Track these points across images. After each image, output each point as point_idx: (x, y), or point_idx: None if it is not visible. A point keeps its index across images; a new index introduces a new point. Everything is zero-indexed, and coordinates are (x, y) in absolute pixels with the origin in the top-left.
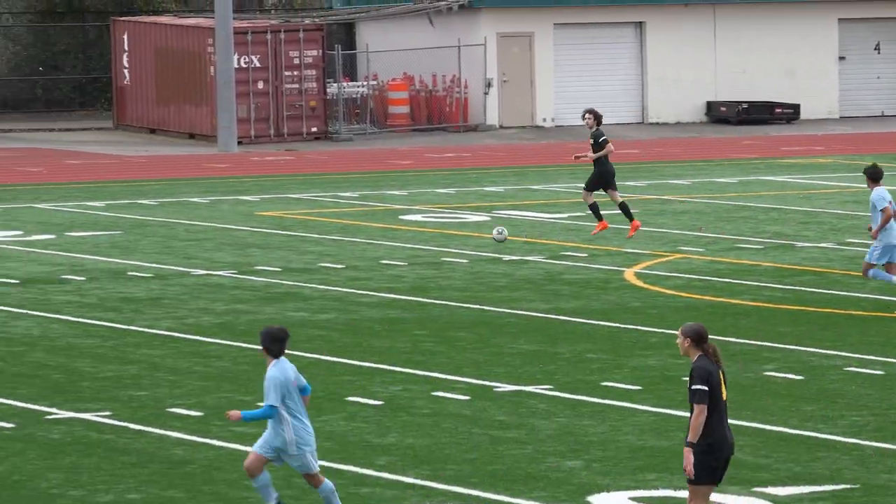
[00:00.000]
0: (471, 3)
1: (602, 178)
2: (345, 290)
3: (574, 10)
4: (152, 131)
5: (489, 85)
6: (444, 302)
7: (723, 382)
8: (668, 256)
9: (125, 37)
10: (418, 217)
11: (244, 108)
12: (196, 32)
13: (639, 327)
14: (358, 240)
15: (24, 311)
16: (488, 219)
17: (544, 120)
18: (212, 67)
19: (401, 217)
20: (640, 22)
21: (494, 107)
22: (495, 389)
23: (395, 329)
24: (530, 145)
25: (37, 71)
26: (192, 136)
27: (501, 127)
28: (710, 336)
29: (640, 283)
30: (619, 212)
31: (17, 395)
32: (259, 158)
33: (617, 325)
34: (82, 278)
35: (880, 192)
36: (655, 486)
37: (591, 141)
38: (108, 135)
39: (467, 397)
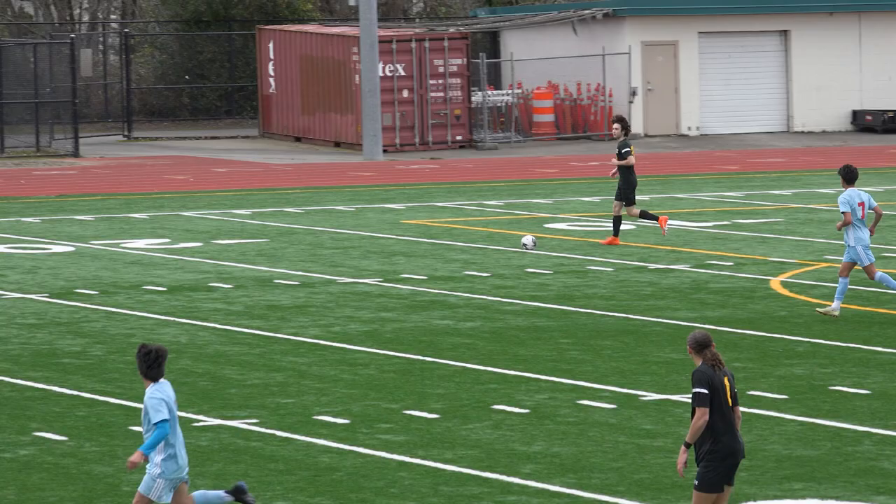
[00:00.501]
0: (615, 12)
1: (629, 188)
2: (490, 298)
3: (719, 18)
4: (298, 139)
5: (633, 93)
6: (589, 310)
7: (728, 389)
8: (813, 265)
9: (271, 45)
10: (563, 225)
11: (389, 116)
12: (341, 41)
13: (785, 336)
14: (503, 248)
15: (172, 318)
16: (633, 227)
17: (689, 128)
18: (357, 76)
19: (546, 225)
20: (785, 30)
21: (639, 115)
22: (641, 398)
23: (540, 337)
24: (675, 154)
25: (183, 79)
26: (337, 144)
27: (646, 135)
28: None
29: (786, 292)
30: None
31: None
32: (404, 167)
33: (763, 333)
34: (229, 286)
35: (846, 196)
36: (802, 496)
37: (617, 151)
38: (253, 143)
39: (613, 406)
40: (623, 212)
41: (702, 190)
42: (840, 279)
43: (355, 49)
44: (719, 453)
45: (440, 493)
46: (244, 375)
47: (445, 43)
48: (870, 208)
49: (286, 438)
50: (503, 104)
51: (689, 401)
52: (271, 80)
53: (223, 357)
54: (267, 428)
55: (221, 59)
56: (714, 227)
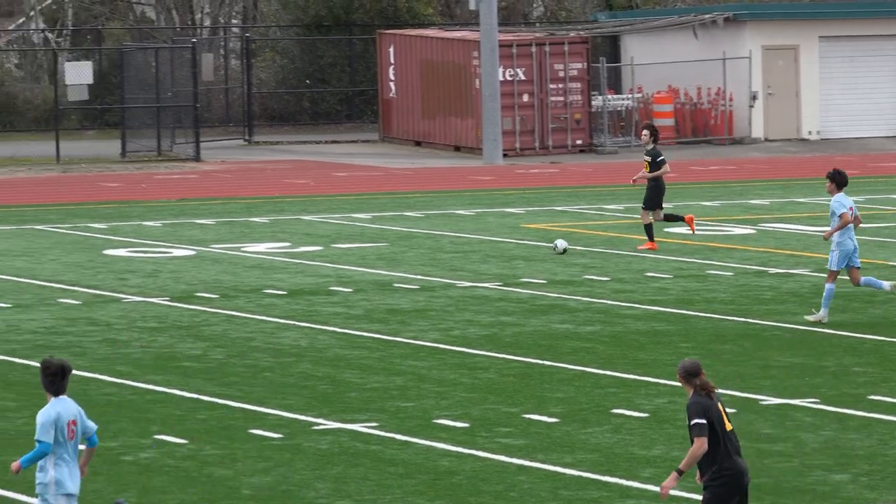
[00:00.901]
0: (736, 16)
1: (657, 194)
2: (610, 302)
3: (839, 22)
4: (418, 143)
5: (754, 98)
6: (708, 314)
7: (724, 414)
8: None
9: (391, 50)
10: (683, 230)
11: (509, 120)
12: (461, 45)
13: None
14: (623, 252)
15: (292, 322)
16: (753, 231)
17: (810, 133)
18: (477, 80)
19: (665, 230)
20: None
21: (759, 119)
22: (761, 402)
23: (660, 341)
24: (795, 158)
25: (304, 84)
26: (457, 148)
27: (766, 140)
28: None
29: None
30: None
31: (286, 406)
32: (524, 171)
33: (884, 338)
34: (349, 290)
35: (839, 199)
36: None
37: (648, 159)
38: (374, 147)
39: (733, 410)
40: (650, 217)
41: (822, 194)
42: (861, 280)
43: (476, 53)
44: (729, 482)
45: (559, 497)
46: (364, 379)
47: (566, 47)
48: (854, 216)
49: (406, 442)
50: (623, 108)
51: (808, 405)
52: (392, 84)
53: (343, 361)
54: (387, 431)
55: (342, 63)
56: None
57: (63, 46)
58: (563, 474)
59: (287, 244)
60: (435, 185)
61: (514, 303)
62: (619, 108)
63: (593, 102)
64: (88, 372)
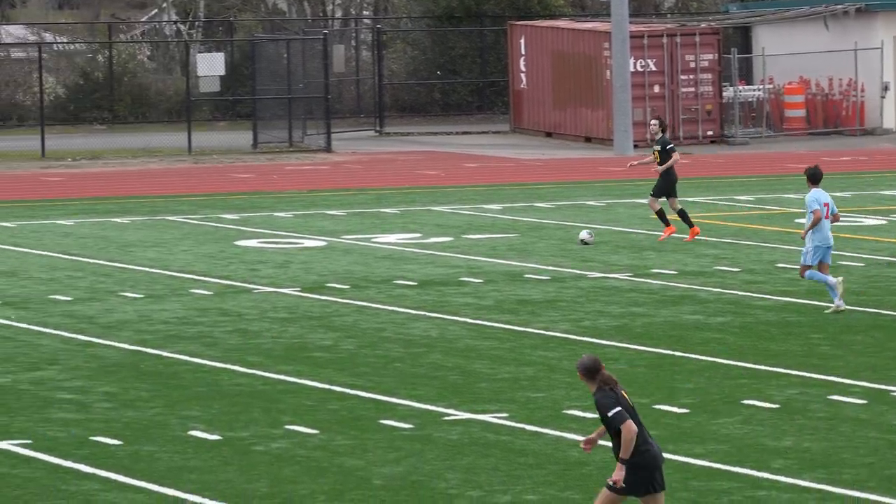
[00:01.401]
0: (867, 7)
1: (669, 184)
2: (740, 293)
3: None
4: (548, 134)
5: (886, 88)
6: None
7: (633, 405)
8: None
9: (522, 41)
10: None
11: (640, 111)
12: (592, 36)
13: None
14: (754, 243)
15: (423, 312)
16: (884, 222)
17: None
18: (608, 71)
19: (796, 220)
20: None
21: (891, 110)
22: (892, 394)
23: (790, 332)
24: None
25: (435, 75)
26: (588, 139)
27: None
28: None
29: None
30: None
31: (416, 396)
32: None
33: None
34: (479, 280)
35: (814, 194)
36: None
37: (658, 148)
38: (504, 138)
39: (864, 401)
40: (658, 204)
41: None
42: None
43: (606, 44)
44: (640, 464)
45: (689, 488)
46: (494, 369)
47: (697, 38)
48: (831, 212)
49: (536, 432)
50: (754, 99)
51: None
52: (522, 75)
53: (473, 351)
54: (517, 422)
55: (473, 54)
56: None
57: (195, 38)
58: (693, 465)
59: (418, 235)
60: (565, 176)
61: (645, 293)
62: (750, 99)
63: (724, 93)
64: (220, 362)
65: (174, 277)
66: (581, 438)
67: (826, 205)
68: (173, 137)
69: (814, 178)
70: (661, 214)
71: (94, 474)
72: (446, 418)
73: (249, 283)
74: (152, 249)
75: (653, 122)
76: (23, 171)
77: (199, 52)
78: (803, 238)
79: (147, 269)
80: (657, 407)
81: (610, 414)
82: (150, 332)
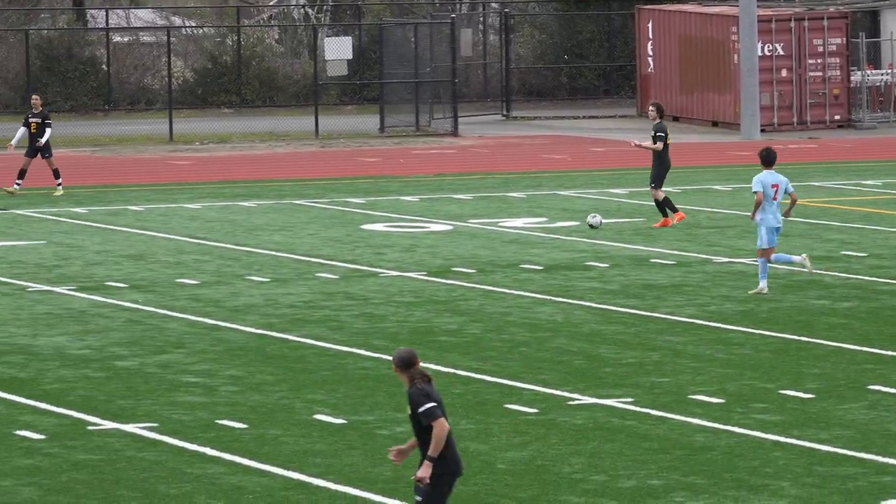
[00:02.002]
0: None
1: (663, 172)
2: (867, 278)
3: None
4: (675, 119)
5: None
6: None
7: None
8: None
9: (649, 25)
10: None
11: (767, 95)
12: (720, 21)
13: None
14: (881, 228)
15: (548, 297)
16: None
17: None
18: (735, 55)
19: None
20: None
21: None
22: None
23: None
24: None
25: (562, 59)
26: (714, 123)
27: None
28: None
29: None
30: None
31: (541, 381)
32: (781, 146)
33: None
34: (605, 265)
35: (759, 177)
36: None
37: (653, 133)
38: (631, 122)
39: None
40: (662, 194)
41: None
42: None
43: (734, 29)
44: (449, 467)
45: (814, 474)
46: (619, 354)
47: (825, 22)
48: (786, 193)
49: (661, 417)
50: (882, 84)
51: None
52: (650, 59)
53: (598, 336)
54: (642, 407)
55: (600, 38)
56: None
57: (323, 22)
58: (819, 450)
59: (544, 219)
60: (692, 161)
61: (771, 278)
62: (877, 84)
63: (852, 78)
64: (345, 346)
65: (300, 261)
66: (707, 424)
67: (775, 186)
68: (300, 121)
69: (766, 160)
70: (666, 202)
71: (219, 458)
72: (571, 403)
73: (375, 267)
74: (279, 233)
75: (651, 108)
76: (151, 154)
77: (327, 36)
78: (752, 220)
79: (273, 252)
80: (782, 392)
81: (422, 409)
82: (276, 315)
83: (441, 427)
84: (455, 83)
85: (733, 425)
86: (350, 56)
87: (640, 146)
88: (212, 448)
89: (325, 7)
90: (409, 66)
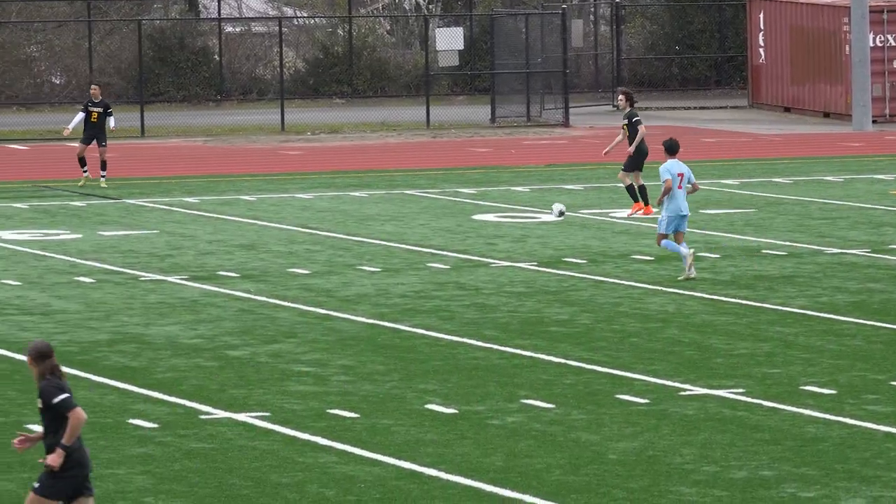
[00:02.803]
0: None
1: (640, 156)
2: None
3: None
4: (787, 110)
5: None
6: None
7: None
8: None
9: (761, 16)
10: None
11: (879, 87)
12: (831, 11)
13: None
14: None
15: (659, 287)
16: None
17: None
18: (847, 46)
19: None
20: None
21: None
22: None
23: None
24: None
25: (673, 50)
26: (826, 114)
27: None
28: None
29: None
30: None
31: (652, 371)
32: (893, 137)
33: None
34: (716, 255)
35: (666, 165)
36: None
37: (626, 121)
38: (742, 113)
39: None
40: (629, 179)
41: None
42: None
43: (846, 19)
44: (81, 457)
45: None
46: (731, 345)
47: None
48: (689, 182)
49: (772, 408)
50: None
51: None
52: (761, 50)
53: (710, 326)
54: (753, 398)
55: (711, 29)
56: None
57: (434, 12)
58: None
59: (655, 210)
60: (803, 152)
61: (883, 269)
62: None
63: None
64: (457, 336)
65: (411, 251)
66: (819, 415)
67: (681, 175)
68: (412, 111)
69: (670, 149)
70: (630, 189)
71: (331, 447)
72: (682, 393)
73: (486, 257)
74: (390, 223)
75: (620, 97)
76: (262, 144)
77: (438, 27)
78: (658, 205)
79: (384, 242)
80: (894, 383)
81: (56, 400)
82: (387, 305)
83: (77, 417)
84: (566, 74)
85: (845, 416)
86: (461, 46)
87: (629, 150)
88: (323, 437)
89: None
90: (520, 57)
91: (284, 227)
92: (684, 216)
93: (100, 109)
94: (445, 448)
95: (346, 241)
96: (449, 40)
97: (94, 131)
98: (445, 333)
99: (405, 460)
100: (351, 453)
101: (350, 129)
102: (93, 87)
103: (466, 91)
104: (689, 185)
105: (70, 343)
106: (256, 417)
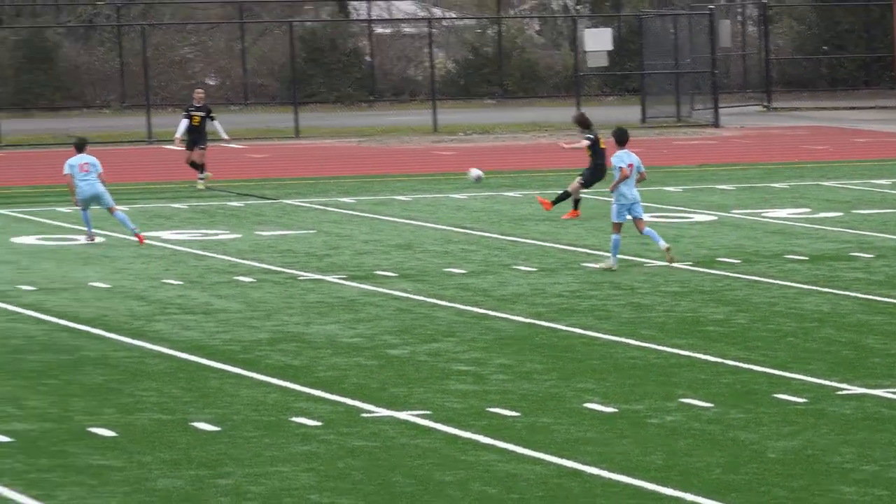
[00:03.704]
0: None
1: (593, 172)
2: None
3: None
4: None
5: None
6: None
7: None
8: None
9: None
10: None
11: None
12: None
13: None
14: None
15: (814, 287)
16: None
17: None
18: None
19: None
20: None
21: None
22: None
23: None
24: None
25: (820, 50)
26: None
27: None
28: None
29: None
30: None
31: (809, 371)
32: None
33: None
34: (870, 255)
35: (619, 154)
36: None
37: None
38: (892, 113)
39: None
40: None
41: None
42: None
43: None
44: None
45: None
46: (887, 344)
47: None
48: (638, 171)
49: None
50: None
51: None
52: None
53: (865, 326)
54: None
55: (859, 29)
56: None
57: (582, 13)
58: None
59: (807, 210)
60: None
61: None
62: None
63: None
64: (613, 335)
65: (566, 251)
66: None
67: (630, 165)
68: (562, 112)
69: (619, 139)
70: (563, 196)
71: (492, 445)
72: (840, 393)
73: (641, 257)
74: (544, 223)
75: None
76: (415, 144)
77: (587, 28)
78: (611, 191)
79: (539, 242)
80: None
81: None
82: (543, 305)
83: None
84: (715, 74)
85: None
86: (610, 47)
87: (566, 147)
88: (485, 435)
89: None
90: (668, 57)
91: (440, 226)
92: (635, 203)
93: (202, 114)
94: (605, 447)
95: (501, 240)
96: (598, 41)
97: (196, 135)
98: (602, 333)
99: (566, 458)
100: (512, 451)
101: (502, 130)
102: (196, 91)
103: (616, 91)
104: (639, 174)
105: (232, 342)
106: (417, 416)
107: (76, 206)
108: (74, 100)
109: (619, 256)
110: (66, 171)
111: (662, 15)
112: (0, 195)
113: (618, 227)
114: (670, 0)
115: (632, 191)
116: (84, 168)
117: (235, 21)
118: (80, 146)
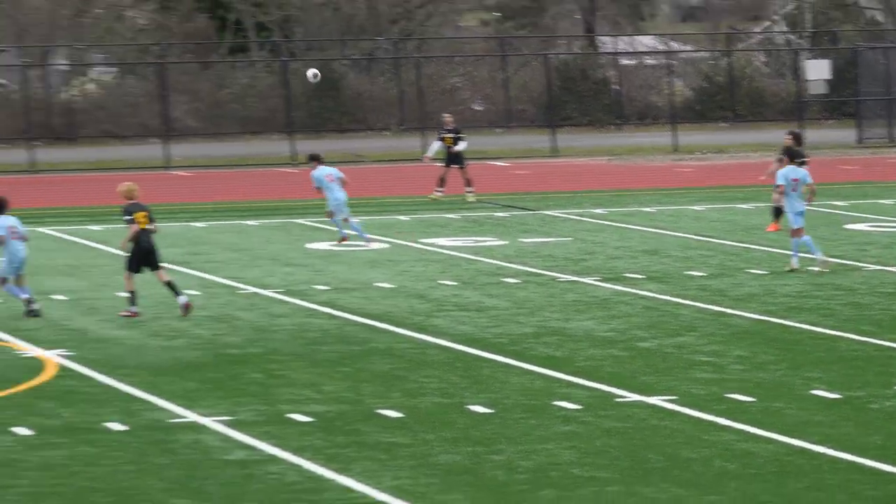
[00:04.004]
0: None
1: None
2: None
3: None
4: None
5: None
6: None
7: None
8: None
9: None
10: None
11: None
12: None
13: None
14: None
15: None
16: None
17: None
18: None
19: None
20: None
21: None
22: None
23: None
24: None
25: None
26: None
27: None
28: None
29: None
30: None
31: None
32: None
33: None
34: None
35: (784, 171)
36: None
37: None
38: None
39: None
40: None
41: None
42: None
43: None
44: None
45: None
46: None
47: None
48: (804, 183)
49: None
50: None
51: None
52: None
53: None
54: None
55: None
56: None
57: (803, 46)
58: None
59: None
60: None
61: None
62: None
63: None
64: (836, 331)
65: (787, 256)
66: None
67: (796, 180)
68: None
69: (790, 156)
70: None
71: (730, 426)
72: None
73: (859, 261)
74: (773, 232)
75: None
76: (658, 163)
77: (808, 59)
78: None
79: (768, 249)
80: None
81: None
82: (773, 303)
83: None
84: None
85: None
86: (829, 76)
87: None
88: (724, 418)
89: (804, 34)
90: (881, 85)
91: (681, 234)
92: (801, 212)
93: (452, 136)
94: (831, 428)
95: (735, 247)
96: (818, 71)
97: (450, 156)
98: (827, 328)
99: (795, 438)
100: (748, 432)
101: (734, 149)
102: (445, 115)
103: (835, 116)
104: (805, 186)
105: (502, 335)
106: (665, 400)
107: (328, 216)
108: (359, 123)
109: (834, 259)
110: (315, 184)
111: (874, 48)
112: (297, 207)
113: (796, 232)
114: (881, 34)
115: (793, 203)
116: (329, 179)
117: (498, 54)
118: (316, 158)
